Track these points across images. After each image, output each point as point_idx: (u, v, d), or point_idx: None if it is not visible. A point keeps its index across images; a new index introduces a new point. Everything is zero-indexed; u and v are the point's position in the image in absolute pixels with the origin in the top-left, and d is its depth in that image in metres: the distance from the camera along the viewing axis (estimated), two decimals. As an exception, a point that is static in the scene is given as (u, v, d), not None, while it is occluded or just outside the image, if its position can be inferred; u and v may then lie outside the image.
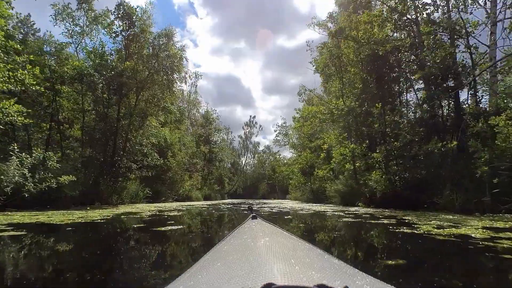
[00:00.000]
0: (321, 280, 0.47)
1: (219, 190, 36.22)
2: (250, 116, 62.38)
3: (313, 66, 17.32)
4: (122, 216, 6.15)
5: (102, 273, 1.81)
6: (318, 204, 14.16)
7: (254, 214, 1.50)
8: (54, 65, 11.70)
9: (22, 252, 2.49)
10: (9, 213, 6.37)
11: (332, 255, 0.86)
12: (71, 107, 13.02)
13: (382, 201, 9.39)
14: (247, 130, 55.66)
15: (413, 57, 11.20)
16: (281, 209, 9.30)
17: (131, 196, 13.68)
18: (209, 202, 19.02)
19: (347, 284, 0.48)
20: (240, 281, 0.51)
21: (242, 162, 56.20)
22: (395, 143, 9.16)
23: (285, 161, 40.06)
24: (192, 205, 13.43)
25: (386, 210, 8.22)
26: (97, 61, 12.73)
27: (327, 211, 8.04)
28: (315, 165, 19.47)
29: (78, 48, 13.68)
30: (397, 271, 1.82)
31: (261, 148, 58.22)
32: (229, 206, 11.93)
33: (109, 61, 13.33)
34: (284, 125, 36.34)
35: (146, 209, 8.99)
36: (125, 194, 13.33)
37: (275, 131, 36.73)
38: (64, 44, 12.53)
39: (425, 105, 9.72)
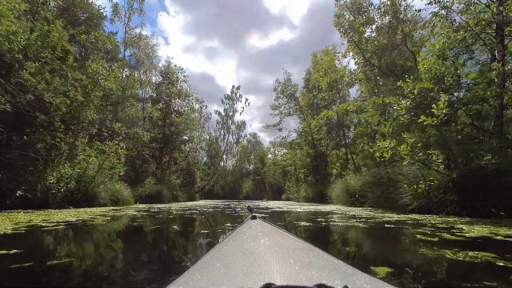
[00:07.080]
0: (321, 280, 0.48)
1: (184, 187, 22.33)
2: (233, 87, 41.49)
3: None
4: None
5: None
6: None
7: (253, 214, 1.48)
8: None
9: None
10: None
11: (331, 255, 0.80)
12: None
13: None
14: (228, 105, 39.94)
15: None
16: None
17: None
18: (107, 212, 5.31)
19: (346, 283, 0.47)
20: (240, 281, 0.50)
21: (221, 149, 41.14)
22: None
23: (293, 140, 26.81)
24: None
25: None
26: None
27: None
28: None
29: None
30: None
31: (243, 133, 44.15)
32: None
33: None
34: (289, 83, 22.95)
35: None
36: None
37: (274, 90, 23.04)
38: None
39: None
